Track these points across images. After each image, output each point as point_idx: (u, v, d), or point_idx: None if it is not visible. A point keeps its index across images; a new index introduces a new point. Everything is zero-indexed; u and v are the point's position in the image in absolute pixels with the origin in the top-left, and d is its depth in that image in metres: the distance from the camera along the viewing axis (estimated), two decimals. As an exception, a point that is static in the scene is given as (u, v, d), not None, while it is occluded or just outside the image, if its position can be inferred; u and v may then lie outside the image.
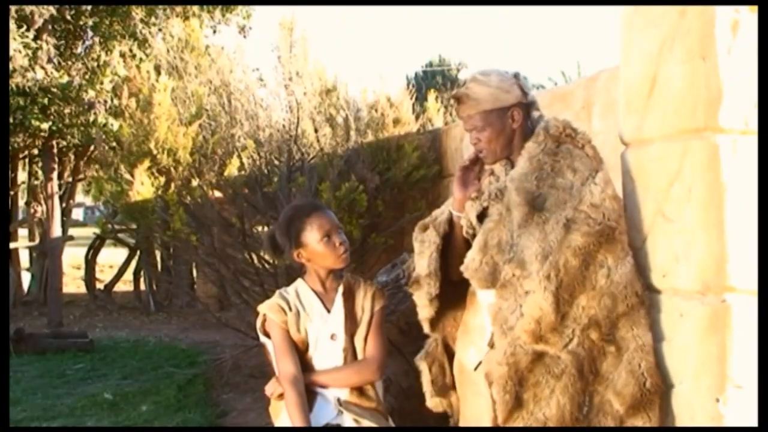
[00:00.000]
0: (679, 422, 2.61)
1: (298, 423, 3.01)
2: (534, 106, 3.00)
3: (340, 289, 3.20)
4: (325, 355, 3.13)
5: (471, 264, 2.84)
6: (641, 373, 2.61)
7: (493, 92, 2.92)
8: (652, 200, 2.74)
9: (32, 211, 13.45)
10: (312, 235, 3.13)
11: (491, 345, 2.82)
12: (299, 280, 3.26)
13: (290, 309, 3.15)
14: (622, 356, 2.64)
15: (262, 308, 3.20)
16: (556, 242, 2.67)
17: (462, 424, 3.12)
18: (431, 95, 9.02)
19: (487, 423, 2.90)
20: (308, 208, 3.24)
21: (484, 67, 3.07)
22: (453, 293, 3.05)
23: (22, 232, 14.80)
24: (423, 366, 3.24)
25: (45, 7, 10.22)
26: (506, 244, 2.78)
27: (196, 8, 11.77)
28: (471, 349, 2.97)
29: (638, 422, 2.62)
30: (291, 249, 3.17)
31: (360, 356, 3.16)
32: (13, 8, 9.91)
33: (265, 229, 7.16)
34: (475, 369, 2.91)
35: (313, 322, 3.15)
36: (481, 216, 2.92)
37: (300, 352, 3.14)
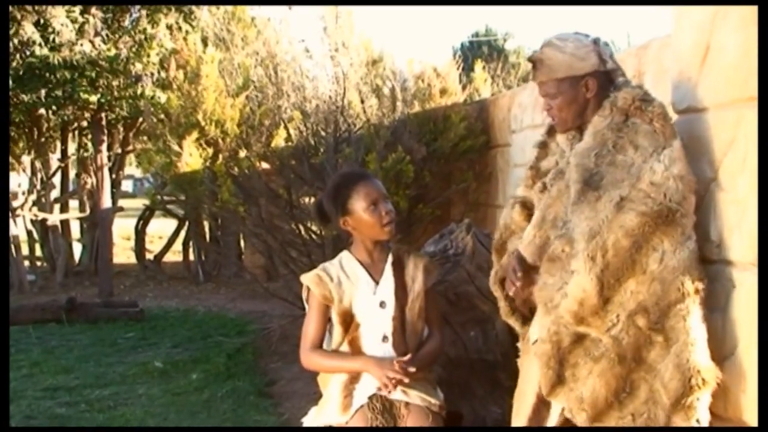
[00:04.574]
0: (732, 394, 2.59)
1: (351, 363, 3.14)
2: (616, 74, 2.89)
3: (389, 258, 3.21)
4: (374, 324, 3.14)
5: (525, 239, 2.84)
6: (688, 368, 2.51)
7: (567, 59, 2.82)
8: (706, 169, 2.70)
9: (82, 182, 13.60)
10: (359, 203, 3.13)
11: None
12: (344, 252, 3.27)
13: (332, 280, 3.16)
14: (670, 348, 2.55)
15: (304, 279, 3.23)
16: (605, 222, 2.59)
17: (516, 393, 3.12)
18: (478, 65, 8.97)
19: (531, 398, 2.93)
20: (356, 176, 3.26)
21: (562, 31, 2.94)
22: None
23: (73, 204, 14.98)
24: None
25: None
26: (560, 221, 2.75)
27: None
28: (535, 322, 2.92)
29: (678, 421, 2.54)
30: (338, 216, 3.19)
31: (410, 327, 3.17)
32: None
33: (312, 200, 7.20)
34: (533, 343, 2.90)
35: (358, 293, 3.16)
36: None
37: (345, 325, 3.16)
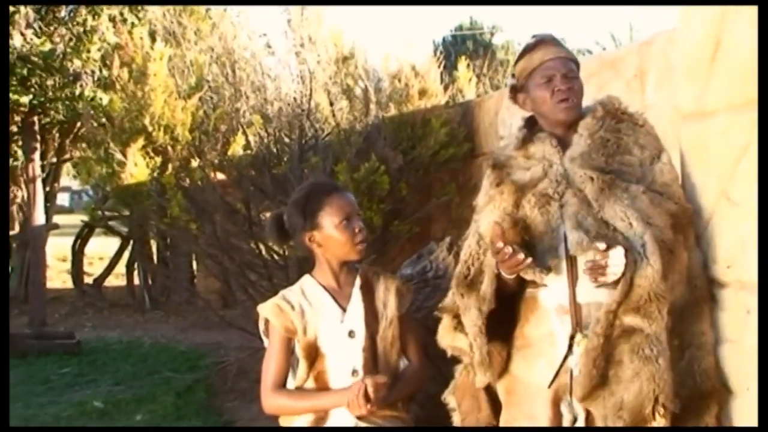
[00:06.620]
0: (748, 434, 2.59)
1: (325, 400, 3.09)
2: None
3: (357, 281, 3.19)
4: (342, 356, 3.12)
5: (576, 240, 2.74)
6: (699, 374, 2.65)
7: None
8: (715, 180, 2.72)
9: (12, 196, 13.55)
10: (330, 218, 3.12)
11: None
12: (306, 277, 3.26)
13: (293, 309, 3.14)
14: (683, 351, 2.66)
15: (262, 311, 3.21)
16: (645, 206, 2.68)
17: None
18: (462, 63, 8.98)
19: None
20: (329, 187, 3.25)
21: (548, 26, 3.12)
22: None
23: (1, 220, 14.91)
24: (452, 401, 3.14)
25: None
26: (597, 220, 2.72)
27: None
28: (539, 362, 2.86)
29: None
30: (304, 230, 3.16)
31: (382, 359, 3.15)
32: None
33: (275, 215, 7.17)
34: (549, 386, 2.84)
35: (324, 322, 3.14)
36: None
37: (310, 359, 3.14)
